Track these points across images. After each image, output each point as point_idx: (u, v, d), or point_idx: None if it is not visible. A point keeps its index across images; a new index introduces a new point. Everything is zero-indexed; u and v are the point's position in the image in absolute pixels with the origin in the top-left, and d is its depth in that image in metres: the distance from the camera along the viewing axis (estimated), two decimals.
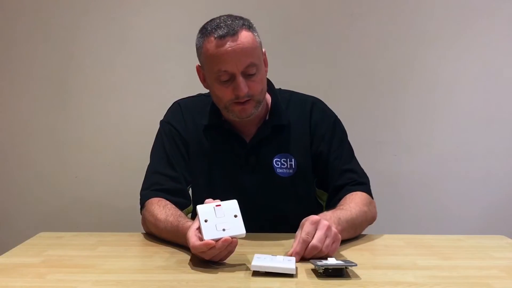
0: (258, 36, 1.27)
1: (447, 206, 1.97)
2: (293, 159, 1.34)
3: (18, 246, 1.17)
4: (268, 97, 1.36)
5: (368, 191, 1.34)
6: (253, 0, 1.85)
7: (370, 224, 1.29)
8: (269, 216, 1.31)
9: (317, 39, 1.88)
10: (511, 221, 1.95)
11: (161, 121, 1.41)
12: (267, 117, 1.35)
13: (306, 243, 1.02)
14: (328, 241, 1.03)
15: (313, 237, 1.02)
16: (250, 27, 1.25)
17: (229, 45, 1.20)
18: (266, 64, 1.32)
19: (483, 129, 1.94)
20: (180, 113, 1.39)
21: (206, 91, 1.46)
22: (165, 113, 1.42)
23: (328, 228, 1.04)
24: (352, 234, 1.22)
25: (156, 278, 0.95)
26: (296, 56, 1.90)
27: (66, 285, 0.92)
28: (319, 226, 1.03)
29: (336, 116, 1.40)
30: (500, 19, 1.91)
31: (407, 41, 1.91)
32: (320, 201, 1.42)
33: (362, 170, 1.38)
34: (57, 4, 1.86)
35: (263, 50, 1.30)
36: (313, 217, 1.05)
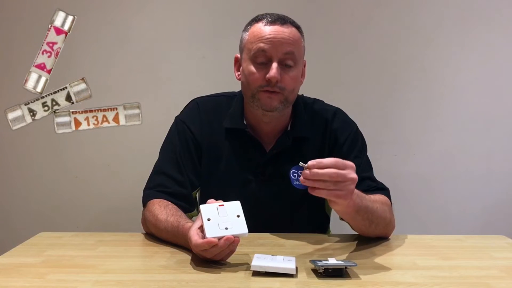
0: (304, 42, 1.29)
1: (447, 206, 1.97)
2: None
3: (18, 246, 1.17)
4: (292, 107, 1.34)
5: (389, 197, 1.29)
6: (252, 1, 1.86)
7: (387, 231, 1.24)
8: (277, 225, 1.29)
9: (317, 39, 1.88)
10: (511, 221, 1.95)
11: (176, 117, 1.39)
12: (289, 128, 1.34)
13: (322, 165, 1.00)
14: (339, 185, 1.00)
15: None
16: (299, 28, 1.28)
17: (275, 29, 1.23)
18: (303, 75, 1.32)
19: (483, 129, 1.95)
20: (198, 113, 1.36)
21: (210, 90, 1.46)
22: (182, 110, 1.40)
23: (352, 179, 1.01)
24: (366, 224, 1.17)
25: (156, 278, 0.95)
26: None
27: (66, 285, 0.92)
28: (347, 171, 1.00)
29: (358, 128, 1.38)
30: (500, 20, 1.91)
31: (407, 41, 1.91)
32: (328, 213, 1.41)
33: (381, 182, 1.34)
34: (56, 4, 1.86)
35: (304, 60, 1.31)
36: (349, 163, 1.02)
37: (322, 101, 1.42)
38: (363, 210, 1.13)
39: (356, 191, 1.08)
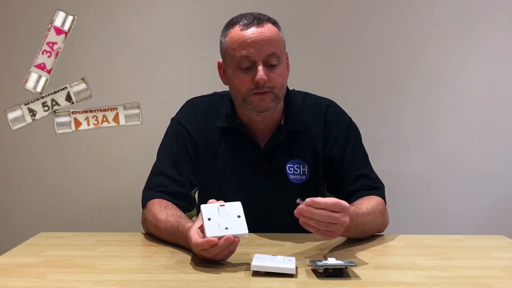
0: (283, 35, 1.29)
1: (447, 206, 1.97)
2: (306, 166, 1.33)
3: (18, 246, 1.17)
4: (284, 102, 1.35)
5: (382, 196, 1.31)
6: (253, 1, 1.86)
7: (380, 231, 1.26)
8: (277, 222, 1.29)
9: (317, 39, 1.88)
10: (511, 221, 1.95)
11: (172, 118, 1.40)
12: (282, 122, 1.34)
13: (316, 205, 1.00)
14: (329, 227, 1.01)
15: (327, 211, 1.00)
16: (275, 23, 1.28)
17: (252, 31, 1.23)
18: (288, 68, 1.33)
19: (483, 129, 1.94)
20: (193, 113, 1.37)
21: (210, 90, 1.46)
22: (177, 111, 1.41)
23: (343, 223, 1.02)
24: (355, 235, 1.20)
25: (157, 278, 0.95)
26: (296, 56, 1.89)
27: (66, 285, 0.92)
28: (341, 214, 1.01)
29: (351, 119, 1.38)
30: (501, 20, 1.90)
31: (407, 41, 1.91)
32: None
33: (377, 176, 1.35)
34: (56, 4, 1.86)
35: (286, 52, 1.31)
36: (345, 204, 1.02)
37: (315, 95, 1.42)
38: (352, 229, 1.14)
39: (353, 218, 1.10)
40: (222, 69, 1.33)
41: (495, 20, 1.90)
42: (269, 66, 1.24)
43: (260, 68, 1.22)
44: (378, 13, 1.91)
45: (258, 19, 1.25)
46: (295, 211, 1.02)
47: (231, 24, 1.28)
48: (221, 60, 1.33)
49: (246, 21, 1.24)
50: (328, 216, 1.00)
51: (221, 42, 1.30)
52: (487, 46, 1.91)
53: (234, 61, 1.24)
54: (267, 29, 1.24)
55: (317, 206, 1.00)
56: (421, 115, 1.94)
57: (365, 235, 1.22)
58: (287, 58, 1.32)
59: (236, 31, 1.25)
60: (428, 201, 1.96)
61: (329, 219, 1.01)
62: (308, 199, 1.01)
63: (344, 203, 1.02)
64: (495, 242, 1.24)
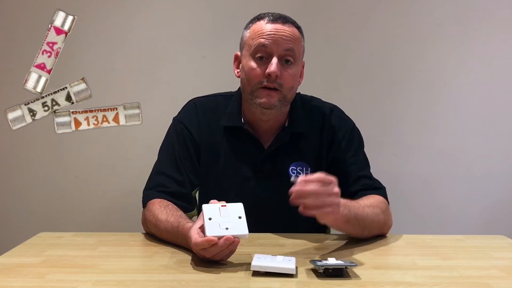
0: (304, 42, 1.31)
1: (447, 206, 1.97)
2: (309, 168, 1.33)
3: (18, 246, 1.17)
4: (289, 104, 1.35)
5: (384, 195, 1.30)
6: (253, 1, 1.86)
7: (383, 231, 1.25)
8: (279, 223, 1.29)
9: (317, 39, 1.88)
10: (511, 221, 1.95)
11: (174, 118, 1.40)
12: (286, 124, 1.35)
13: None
14: (322, 199, 1.02)
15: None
16: (299, 28, 1.30)
17: (276, 26, 1.25)
18: (301, 75, 1.34)
19: (483, 129, 1.94)
20: (195, 113, 1.37)
21: (210, 90, 1.46)
22: (179, 111, 1.41)
23: (336, 194, 1.03)
24: (359, 231, 1.19)
25: (157, 278, 0.95)
26: None
27: (66, 285, 0.92)
28: (331, 186, 1.03)
29: (354, 124, 1.39)
30: (501, 20, 1.90)
31: (407, 41, 1.91)
32: None
33: (378, 180, 1.35)
34: (56, 4, 1.86)
35: (303, 60, 1.32)
36: (332, 177, 1.04)
37: (319, 99, 1.43)
38: (352, 219, 1.13)
39: (343, 201, 1.09)
40: (237, 60, 1.34)
41: (495, 21, 1.90)
42: (284, 63, 1.25)
43: (275, 61, 1.23)
44: (378, 13, 1.91)
45: (284, 19, 1.27)
46: (290, 190, 1.02)
47: (256, 18, 1.30)
48: (238, 52, 1.34)
49: (272, 18, 1.27)
50: (321, 190, 1.01)
51: (243, 33, 1.32)
52: (487, 46, 1.91)
53: (251, 49, 1.26)
54: (291, 29, 1.26)
55: (311, 181, 1.00)
56: (421, 115, 1.94)
57: (368, 232, 1.21)
58: (303, 67, 1.33)
59: (260, 24, 1.27)
60: (428, 201, 1.97)
61: (322, 191, 1.01)
62: (299, 179, 1.01)
63: (330, 177, 1.03)
64: (495, 242, 1.24)
